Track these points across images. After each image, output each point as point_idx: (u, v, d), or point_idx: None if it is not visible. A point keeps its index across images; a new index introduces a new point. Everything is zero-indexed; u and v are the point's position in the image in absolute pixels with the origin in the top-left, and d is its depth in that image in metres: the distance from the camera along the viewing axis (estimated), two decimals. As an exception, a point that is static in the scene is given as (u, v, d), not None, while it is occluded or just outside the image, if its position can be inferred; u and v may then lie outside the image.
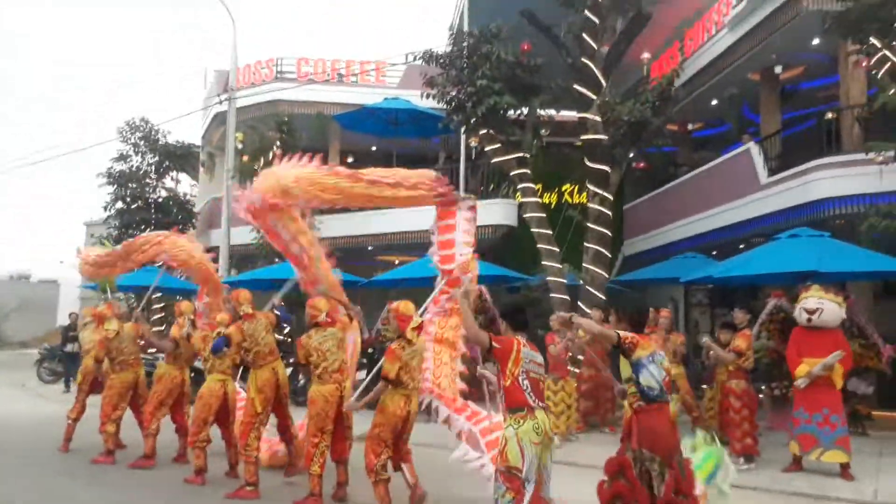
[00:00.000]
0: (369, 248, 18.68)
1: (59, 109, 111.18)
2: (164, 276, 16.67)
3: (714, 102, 16.58)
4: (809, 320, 7.11)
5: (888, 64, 8.84)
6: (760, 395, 9.22)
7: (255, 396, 6.55)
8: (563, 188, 17.11)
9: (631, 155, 12.40)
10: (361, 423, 6.45)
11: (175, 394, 7.77)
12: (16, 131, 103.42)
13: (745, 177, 12.96)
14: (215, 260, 15.88)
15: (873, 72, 9.76)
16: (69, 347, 15.44)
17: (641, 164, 16.85)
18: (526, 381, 4.16)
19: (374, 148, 21.66)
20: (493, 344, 4.19)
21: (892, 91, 8.58)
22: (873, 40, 8.93)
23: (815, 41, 12.90)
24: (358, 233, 17.80)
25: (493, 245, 15.86)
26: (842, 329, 7.42)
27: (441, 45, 21.43)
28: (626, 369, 4.26)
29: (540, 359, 4.42)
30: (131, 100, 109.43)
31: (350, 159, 22.17)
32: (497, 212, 15.87)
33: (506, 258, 14.76)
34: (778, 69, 13.50)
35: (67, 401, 12.23)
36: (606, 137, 11.32)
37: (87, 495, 6.49)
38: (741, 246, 14.96)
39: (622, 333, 4.23)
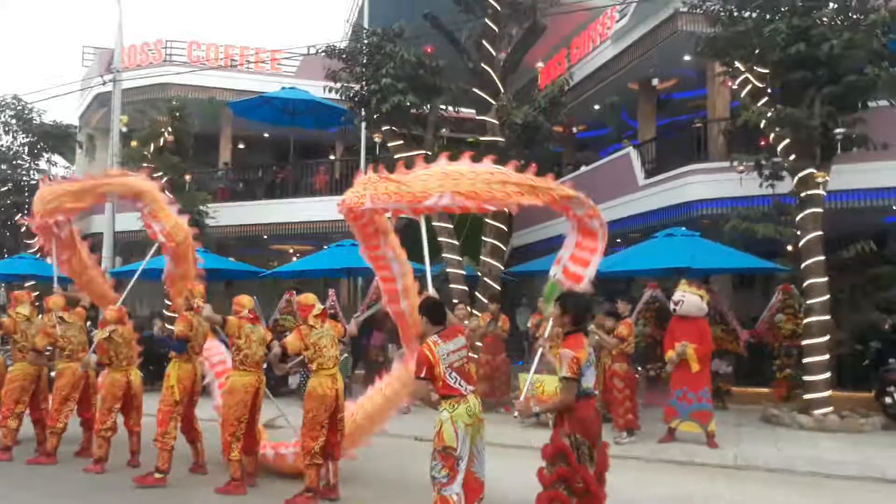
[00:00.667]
0: (264, 236, 18.55)
1: None
2: (37, 264, 15.90)
3: (596, 107, 17.87)
4: (674, 310, 8.17)
5: (749, 86, 10.09)
6: (637, 376, 10.28)
7: (174, 385, 6.66)
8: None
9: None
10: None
11: (79, 388, 7.65)
12: None
13: (625, 178, 14.20)
14: (97, 248, 15.30)
15: (736, 90, 11.05)
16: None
17: (534, 165, 17.78)
18: (453, 374, 4.49)
19: (266, 135, 21.40)
20: (420, 376, 4.46)
21: (752, 110, 9.80)
22: (737, 64, 10.15)
23: (687, 58, 14.30)
24: (253, 221, 17.64)
25: (391, 237, 16.26)
26: (708, 318, 8.50)
27: (337, 36, 21.54)
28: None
29: (459, 342, 4.67)
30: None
31: (241, 146, 21.80)
32: (395, 205, 16.28)
33: (405, 250, 15.21)
34: (655, 81, 14.83)
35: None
36: (503, 139, 12.02)
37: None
38: (618, 240, 16.33)
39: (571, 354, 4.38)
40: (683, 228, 10.35)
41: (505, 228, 12.07)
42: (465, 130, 15.72)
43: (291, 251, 20.80)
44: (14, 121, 17.47)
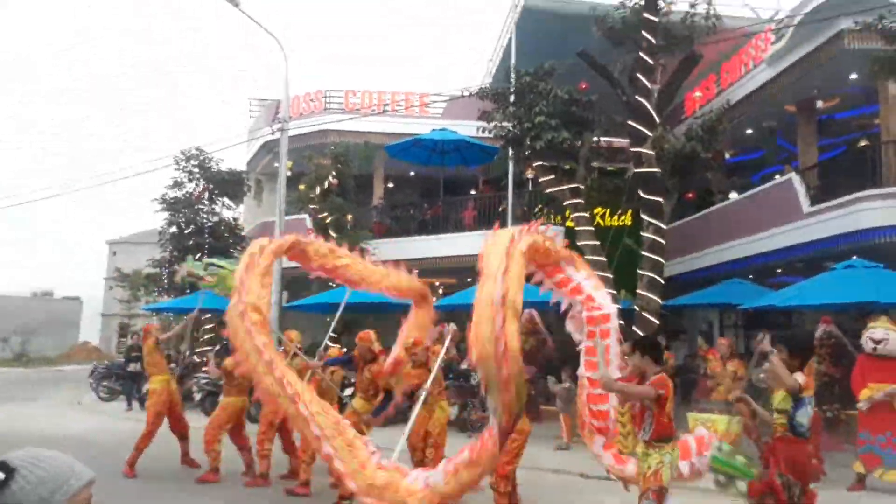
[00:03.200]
0: (415, 270, 19.32)
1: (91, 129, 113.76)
2: (216, 299, 17.54)
3: (749, 131, 17.22)
4: (875, 349, 7.67)
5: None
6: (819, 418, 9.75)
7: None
8: (596, 211, 17.75)
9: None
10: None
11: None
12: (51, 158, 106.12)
13: (787, 204, 13.54)
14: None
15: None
16: (132, 367, 16.10)
17: (691, 194, 17.42)
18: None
19: (412, 174, 22.43)
20: (659, 392, 4.74)
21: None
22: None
23: (854, 76, 13.53)
24: (405, 256, 18.46)
25: (539, 269, 16.46)
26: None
27: (479, 77, 22.24)
28: (783, 401, 4.67)
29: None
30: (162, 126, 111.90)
31: (391, 185, 22.97)
32: (544, 238, 16.50)
33: (554, 283, 15.32)
34: (819, 102, 14.12)
35: (136, 418, 12.93)
36: (659, 170, 11.95)
37: None
38: (778, 270, 15.55)
39: (799, 381, 4.55)
40: (862, 259, 9.74)
41: (662, 261, 11.92)
42: (617, 161, 15.73)
43: (437, 283, 21.50)
44: (197, 169, 19.51)
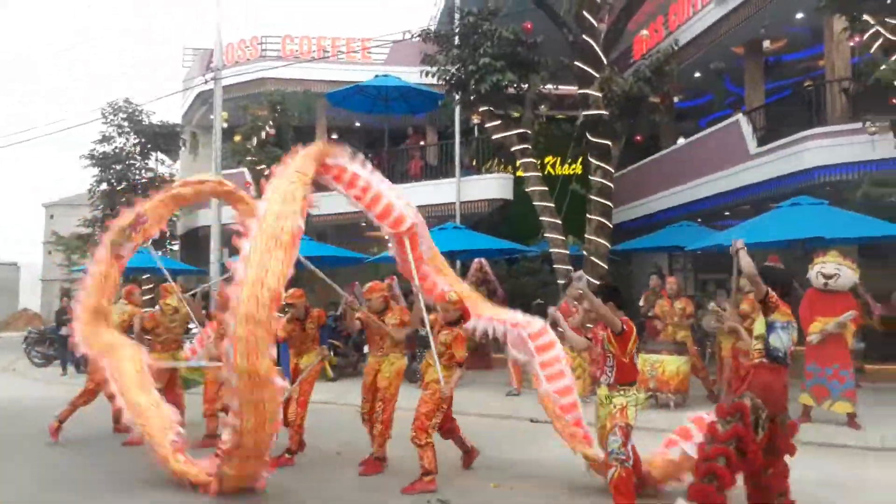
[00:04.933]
0: (361, 223, 18.84)
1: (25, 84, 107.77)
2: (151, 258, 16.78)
3: (697, 75, 17.08)
4: (826, 284, 7.60)
5: (881, 39, 9.30)
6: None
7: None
8: (546, 160, 17.45)
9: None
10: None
11: None
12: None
13: (734, 147, 13.50)
14: (206, 241, 15.94)
15: (860, 46, 10.24)
16: (64, 331, 15.35)
17: (639, 137, 17.24)
18: (636, 358, 4.96)
19: (357, 124, 21.71)
20: (624, 328, 4.81)
21: (883, 67, 9.04)
22: (866, 17, 9.37)
23: (800, 15, 13.40)
24: (350, 210, 17.90)
25: (488, 218, 16.19)
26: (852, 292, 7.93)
27: (425, 21, 21.53)
28: (760, 327, 4.57)
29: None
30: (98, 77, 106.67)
31: (335, 136, 22.19)
32: (492, 186, 16.20)
33: (501, 231, 15.10)
34: (766, 43, 13.98)
35: (71, 383, 12.32)
36: (607, 113, 11.64)
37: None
38: (726, 213, 15.62)
39: (770, 291, 4.46)
40: (808, 197, 9.70)
41: (610, 205, 11.71)
42: (564, 108, 15.40)
43: (386, 237, 21.06)
44: (126, 123, 18.42)
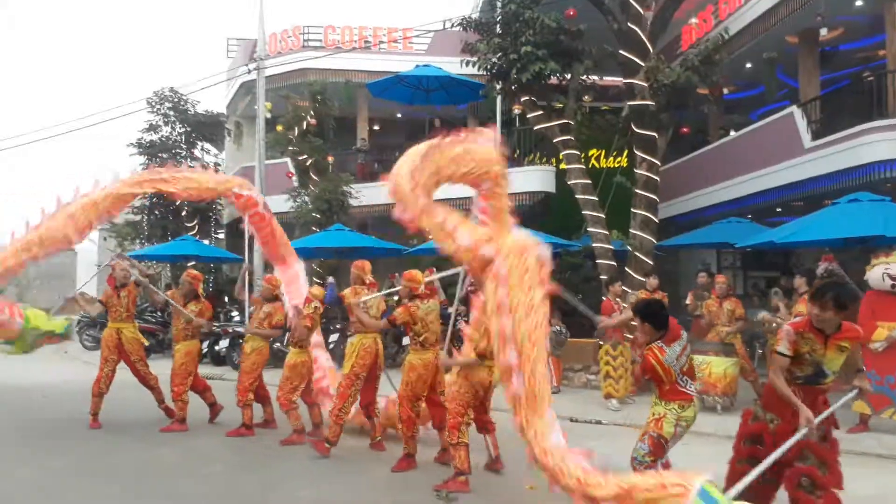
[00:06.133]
0: (402, 215, 18.79)
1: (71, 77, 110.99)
2: (198, 245, 17.02)
3: (748, 65, 16.45)
4: (894, 286, 7.17)
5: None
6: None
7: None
8: (590, 153, 17.07)
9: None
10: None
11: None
12: (28, 100, 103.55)
13: (788, 140, 12.94)
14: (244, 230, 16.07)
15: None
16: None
17: (686, 129, 16.70)
18: (683, 377, 4.58)
19: (399, 115, 21.60)
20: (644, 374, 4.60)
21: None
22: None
23: (859, 2, 12.76)
24: (390, 201, 17.86)
25: (530, 211, 15.92)
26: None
27: (468, 9, 21.28)
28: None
29: (682, 342, 4.63)
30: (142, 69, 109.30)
31: (376, 127, 22.16)
32: (534, 178, 15.93)
33: (543, 225, 14.83)
34: (822, 31, 13.36)
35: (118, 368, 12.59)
36: (653, 103, 11.28)
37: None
38: (778, 210, 15.04)
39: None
40: (869, 193, 9.19)
41: (656, 199, 11.37)
42: (608, 98, 15.01)
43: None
44: (172, 112, 18.66)
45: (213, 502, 5.44)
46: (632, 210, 11.44)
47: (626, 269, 11.39)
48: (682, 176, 16.70)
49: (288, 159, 16.69)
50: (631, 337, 10.00)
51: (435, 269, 7.50)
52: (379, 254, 16.15)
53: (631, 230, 11.43)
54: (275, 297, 7.83)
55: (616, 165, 16.35)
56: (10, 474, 6.07)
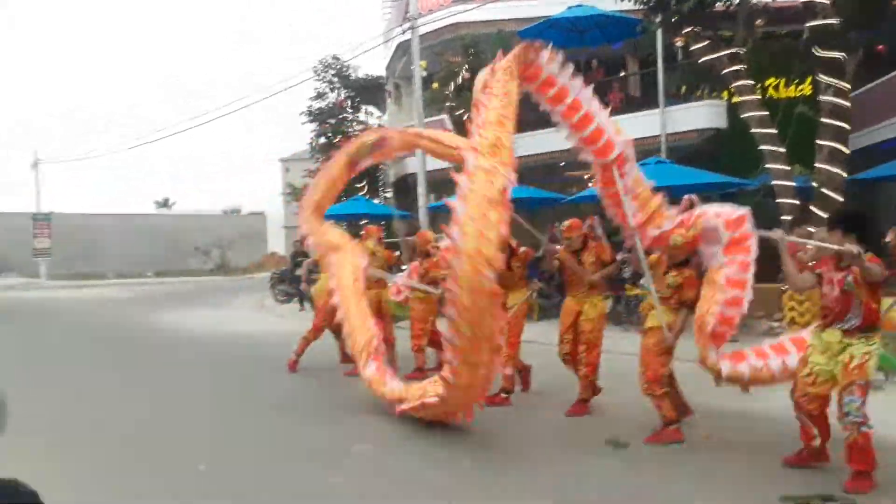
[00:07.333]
0: (561, 164, 18.47)
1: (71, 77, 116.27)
2: (369, 204, 17.95)
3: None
4: None
5: None
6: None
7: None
8: (766, 83, 15.59)
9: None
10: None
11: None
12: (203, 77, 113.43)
13: None
14: (413, 187, 16.61)
15: None
16: (298, 271, 17.08)
17: (881, 47, 14.74)
18: None
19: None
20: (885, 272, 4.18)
21: None
22: None
23: None
24: (548, 150, 17.62)
25: (698, 150, 15.01)
26: None
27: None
28: None
29: None
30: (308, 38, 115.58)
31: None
32: (701, 115, 14.95)
33: (715, 163, 13.92)
34: None
35: (307, 318, 13.73)
36: (838, 21, 10.06)
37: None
38: None
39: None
40: None
41: (846, 127, 10.21)
42: (784, 21, 13.58)
43: (587, 177, 20.47)
44: (336, 79, 19.63)
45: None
46: (817, 142, 10.39)
47: (812, 207, 10.43)
48: (881, 99, 14.79)
49: (445, 116, 16.96)
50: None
51: (597, 218, 7.32)
52: (538, 205, 16.12)
53: (816, 164, 10.41)
54: (427, 254, 8.10)
55: (797, 94, 14.86)
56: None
